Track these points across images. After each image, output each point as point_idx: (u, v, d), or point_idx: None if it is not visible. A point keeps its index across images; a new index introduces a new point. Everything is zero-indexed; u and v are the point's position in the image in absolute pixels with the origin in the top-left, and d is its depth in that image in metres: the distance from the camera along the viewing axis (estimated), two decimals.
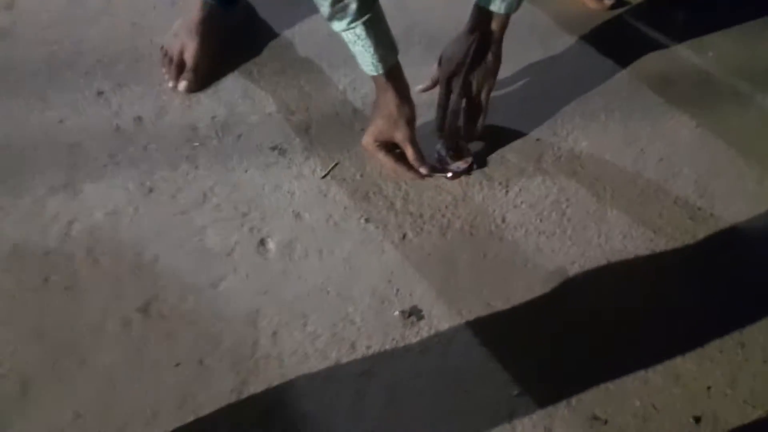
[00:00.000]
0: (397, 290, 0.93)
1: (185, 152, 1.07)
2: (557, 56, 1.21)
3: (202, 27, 1.14)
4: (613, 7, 1.27)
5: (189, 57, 1.14)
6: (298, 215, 1.01)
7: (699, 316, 0.92)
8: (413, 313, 0.91)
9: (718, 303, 0.93)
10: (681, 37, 1.24)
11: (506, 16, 0.98)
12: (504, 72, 1.07)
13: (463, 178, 1.05)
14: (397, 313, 0.91)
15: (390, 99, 0.96)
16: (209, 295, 0.93)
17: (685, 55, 1.22)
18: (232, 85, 1.16)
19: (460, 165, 1.04)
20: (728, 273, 0.96)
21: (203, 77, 1.15)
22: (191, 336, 0.89)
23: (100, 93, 1.14)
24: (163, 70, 1.15)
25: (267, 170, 1.06)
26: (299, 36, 1.23)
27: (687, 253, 0.98)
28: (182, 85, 1.13)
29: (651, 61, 1.20)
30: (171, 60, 1.14)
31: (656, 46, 1.23)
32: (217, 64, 1.17)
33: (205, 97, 1.14)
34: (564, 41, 1.23)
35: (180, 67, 1.14)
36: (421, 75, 1.11)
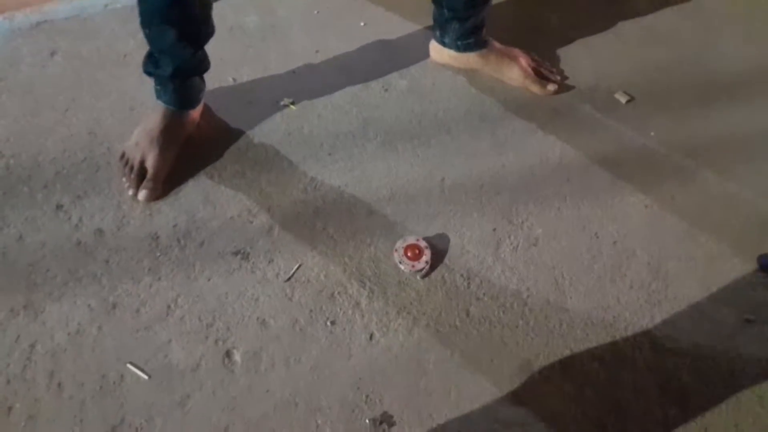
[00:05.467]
0: (367, 396, 0.94)
1: (147, 264, 1.07)
2: (508, 143, 1.25)
3: (163, 136, 1.16)
4: (556, 92, 1.33)
5: (150, 165, 1.15)
6: (263, 322, 1.01)
7: (662, 401, 0.94)
8: (384, 420, 0.91)
9: (678, 388, 0.96)
10: (624, 118, 1.30)
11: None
12: (457, 162, 1.10)
13: (425, 274, 1.06)
14: (367, 421, 0.91)
15: None
16: (176, 416, 0.92)
17: (629, 135, 1.27)
18: (192, 190, 1.17)
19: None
20: (685, 355, 0.99)
21: (164, 185, 1.16)
22: None
23: (59, 207, 1.14)
24: (123, 178, 1.16)
25: (230, 277, 1.06)
26: (258, 136, 1.25)
27: (645, 338, 1.00)
28: (142, 194, 1.14)
29: (598, 143, 1.26)
30: (131, 168, 1.16)
31: (602, 127, 1.28)
32: (178, 170, 1.18)
33: (165, 205, 1.15)
34: (514, 127, 1.28)
35: (140, 176, 1.15)
36: (379, 170, 1.14)
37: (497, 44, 1.35)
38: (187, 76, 1.17)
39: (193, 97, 1.21)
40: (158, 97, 1.19)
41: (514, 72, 1.33)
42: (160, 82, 1.16)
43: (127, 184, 1.16)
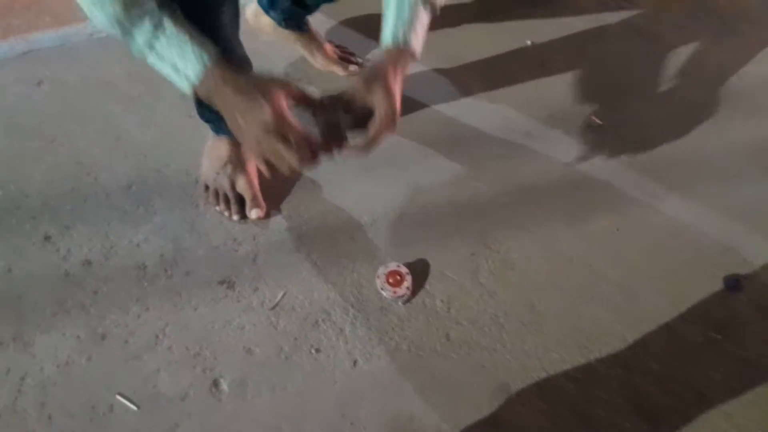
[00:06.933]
0: (351, 424, 0.97)
1: (135, 293, 1.10)
2: (484, 167, 1.29)
3: (239, 159, 1.19)
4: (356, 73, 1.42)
5: (245, 189, 1.19)
6: (249, 350, 1.04)
7: (636, 419, 0.98)
8: None
9: (651, 406, 1.00)
10: (596, 142, 1.35)
11: (399, 51, 0.92)
12: (435, 187, 1.14)
13: (406, 300, 1.10)
14: None
15: (233, 99, 0.81)
16: None
17: (601, 159, 1.32)
18: (178, 219, 1.20)
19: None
20: (656, 373, 1.03)
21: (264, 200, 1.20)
22: None
23: (47, 238, 1.16)
24: (216, 207, 1.20)
25: (216, 306, 1.09)
26: None
27: (618, 358, 1.05)
28: (254, 212, 1.18)
29: (571, 167, 1.30)
30: (226, 197, 1.19)
31: (575, 151, 1.33)
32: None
33: (152, 234, 1.17)
34: (489, 151, 1.32)
35: (241, 200, 1.19)
36: (359, 196, 1.17)
37: (313, 28, 1.43)
38: None
39: None
40: (218, 132, 1.20)
41: (320, 55, 1.43)
42: (220, 123, 1.11)
43: (227, 212, 1.19)
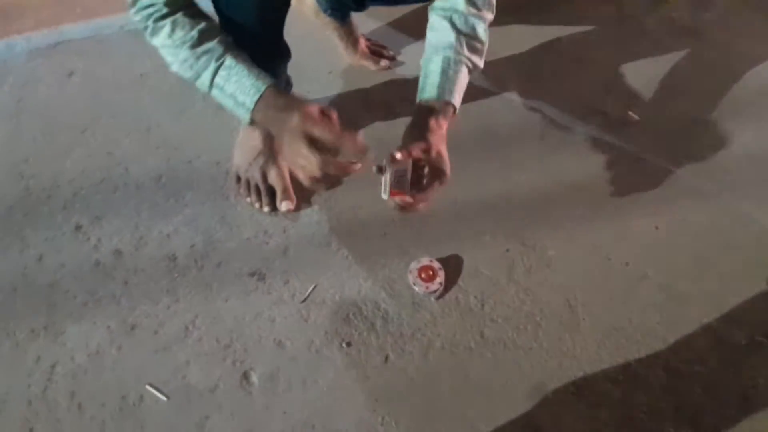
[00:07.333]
0: (383, 419, 0.95)
1: (165, 285, 1.09)
2: (519, 163, 1.27)
3: (271, 151, 1.18)
4: (389, 67, 1.43)
5: (276, 180, 1.18)
6: (279, 343, 1.03)
7: (676, 422, 0.95)
8: None
9: (692, 409, 0.96)
10: (634, 137, 1.31)
11: (444, 104, 0.91)
12: (469, 183, 1.12)
13: (439, 296, 1.07)
14: None
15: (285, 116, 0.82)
16: None
17: (639, 155, 1.29)
18: (209, 211, 1.19)
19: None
20: (699, 376, 1.00)
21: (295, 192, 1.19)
22: None
23: (78, 227, 1.16)
24: (248, 199, 1.19)
25: (247, 298, 1.08)
26: None
27: (658, 359, 1.01)
28: (285, 205, 1.17)
29: (608, 163, 1.27)
30: (257, 188, 1.18)
31: (612, 147, 1.30)
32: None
33: (183, 226, 1.16)
34: (524, 147, 1.30)
35: (272, 192, 1.18)
36: None
37: (354, 22, 1.41)
38: None
39: None
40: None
41: (354, 48, 1.42)
42: None
43: (258, 204, 1.18)
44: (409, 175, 0.85)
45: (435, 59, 0.93)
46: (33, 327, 1.04)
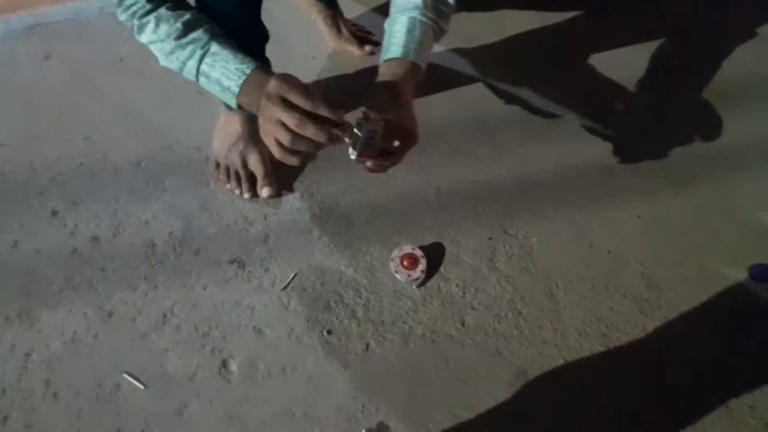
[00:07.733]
0: (363, 406, 0.94)
1: (143, 271, 1.07)
2: (505, 151, 1.26)
3: (251, 136, 1.16)
4: (372, 53, 1.41)
5: (256, 166, 1.17)
6: (259, 331, 1.02)
7: (656, 409, 0.95)
8: (381, 430, 0.92)
9: (672, 397, 0.97)
10: (619, 127, 1.31)
11: (411, 64, 0.88)
12: (454, 170, 1.11)
13: (421, 284, 1.07)
14: (364, 430, 0.92)
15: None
16: (173, 425, 0.92)
17: (624, 144, 1.28)
18: (189, 197, 1.17)
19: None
20: (679, 365, 1.00)
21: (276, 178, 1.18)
22: None
23: (54, 213, 1.14)
24: (228, 185, 1.17)
25: (226, 285, 1.07)
26: None
27: (639, 347, 1.01)
28: (266, 190, 1.16)
29: (593, 152, 1.27)
30: (237, 174, 1.16)
31: (597, 136, 1.29)
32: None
33: (161, 212, 1.15)
34: (511, 135, 1.29)
35: (252, 178, 1.17)
36: (375, 178, 1.14)
37: (339, 8, 1.41)
38: None
39: None
40: (231, 109, 1.14)
41: (339, 33, 1.41)
42: None
43: (238, 190, 1.16)
44: (379, 137, 0.82)
45: (400, 19, 0.91)
46: (7, 314, 1.02)
